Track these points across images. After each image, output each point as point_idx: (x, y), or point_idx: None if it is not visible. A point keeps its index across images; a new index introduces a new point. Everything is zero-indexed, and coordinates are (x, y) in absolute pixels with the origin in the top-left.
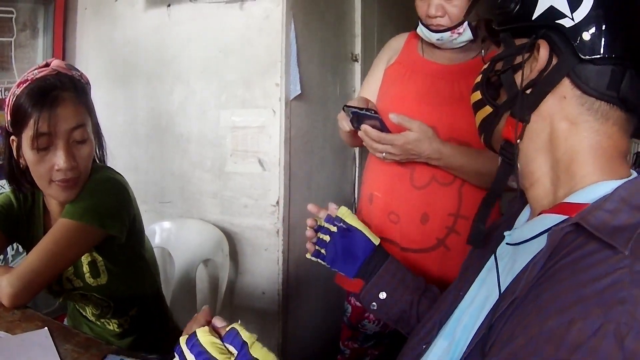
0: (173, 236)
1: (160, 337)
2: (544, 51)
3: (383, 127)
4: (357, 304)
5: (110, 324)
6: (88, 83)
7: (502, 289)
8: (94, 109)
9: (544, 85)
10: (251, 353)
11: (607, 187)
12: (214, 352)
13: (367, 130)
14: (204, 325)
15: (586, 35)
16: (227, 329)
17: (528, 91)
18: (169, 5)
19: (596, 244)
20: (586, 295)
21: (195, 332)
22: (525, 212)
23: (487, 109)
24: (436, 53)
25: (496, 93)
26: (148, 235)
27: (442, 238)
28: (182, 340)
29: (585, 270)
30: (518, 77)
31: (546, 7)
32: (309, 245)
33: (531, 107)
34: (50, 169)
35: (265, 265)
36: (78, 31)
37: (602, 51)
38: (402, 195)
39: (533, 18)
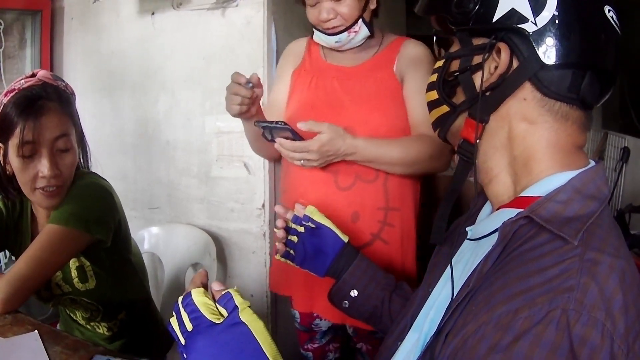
0: (162, 241)
1: (149, 340)
2: (505, 55)
3: (295, 136)
4: (315, 345)
5: (100, 327)
6: (73, 93)
7: (463, 283)
8: (79, 118)
9: (504, 89)
10: (240, 317)
11: (562, 178)
12: (205, 311)
13: (281, 142)
14: (199, 287)
15: (550, 41)
16: (223, 292)
17: (487, 93)
18: (153, 14)
19: (547, 235)
20: (534, 284)
21: (190, 291)
22: (487, 207)
23: (444, 108)
24: (338, 56)
25: (452, 91)
26: (137, 241)
27: (376, 232)
28: (180, 298)
29: (535, 260)
30: (477, 78)
31: (507, 10)
32: (279, 246)
33: (490, 109)
34: (35, 176)
35: (253, 268)
36: (65, 41)
37: (564, 56)
38: (328, 198)
39: (494, 20)
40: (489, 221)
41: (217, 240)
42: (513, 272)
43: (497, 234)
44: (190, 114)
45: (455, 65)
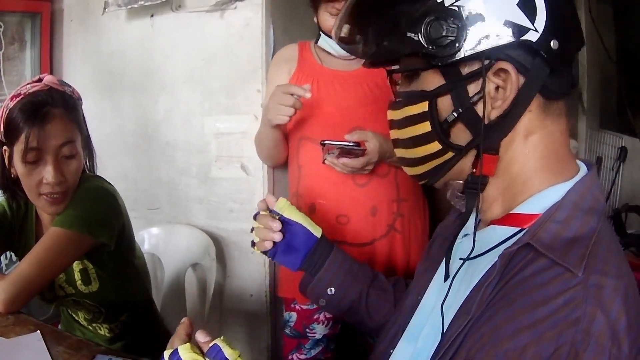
0: (162, 242)
1: (150, 341)
2: (514, 74)
3: (362, 152)
4: (303, 307)
5: (102, 328)
6: (79, 99)
7: (461, 301)
8: (85, 122)
9: (517, 110)
10: None
11: (558, 191)
12: None
13: (347, 163)
14: (185, 339)
15: (554, 43)
16: (211, 344)
17: (497, 121)
18: (152, 16)
19: (547, 260)
20: (540, 317)
21: (177, 349)
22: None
23: (448, 155)
24: (333, 61)
25: (447, 133)
26: (137, 241)
27: (391, 223)
28: (167, 354)
29: (537, 289)
30: (480, 109)
31: (501, 24)
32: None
33: (503, 135)
34: (39, 182)
35: (252, 268)
36: (65, 43)
37: (567, 54)
38: (348, 196)
39: (492, 43)
40: (480, 239)
41: (217, 241)
42: (517, 303)
43: (491, 253)
44: (190, 114)
45: (445, 103)
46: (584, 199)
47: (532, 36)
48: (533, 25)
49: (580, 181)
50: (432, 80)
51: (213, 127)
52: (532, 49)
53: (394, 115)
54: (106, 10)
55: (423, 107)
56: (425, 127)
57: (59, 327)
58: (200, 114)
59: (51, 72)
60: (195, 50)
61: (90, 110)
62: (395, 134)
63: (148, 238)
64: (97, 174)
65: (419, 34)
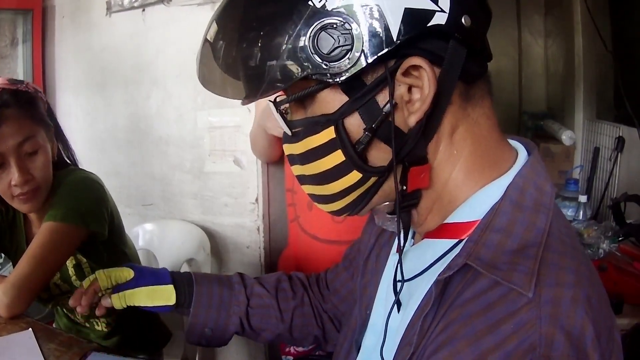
0: (156, 238)
1: (145, 335)
2: (428, 68)
3: None
4: (298, 349)
5: (99, 324)
6: (37, 92)
7: (406, 323)
8: (51, 114)
9: (440, 107)
10: None
11: (496, 191)
12: None
13: None
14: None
15: (466, 21)
16: None
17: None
18: (143, 10)
19: (490, 278)
20: (485, 350)
21: None
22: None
23: (370, 182)
24: None
25: (363, 158)
26: (132, 238)
27: None
28: None
29: (482, 314)
30: (399, 118)
31: (401, 15)
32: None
33: (428, 141)
34: (9, 185)
35: (248, 263)
36: (57, 40)
37: (482, 29)
38: None
39: (396, 39)
40: (415, 256)
41: (211, 236)
42: (460, 333)
43: (429, 272)
44: (183, 108)
45: (353, 123)
46: (525, 195)
47: (440, 18)
48: (437, 5)
49: (519, 173)
50: (332, 100)
51: (206, 121)
52: (443, 33)
53: (292, 149)
54: (109, 11)
55: (329, 134)
56: (338, 157)
57: (53, 325)
58: (192, 109)
59: (43, 69)
60: (186, 44)
61: (83, 106)
62: (299, 170)
63: (142, 234)
64: (90, 170)
65: (305, 52)
